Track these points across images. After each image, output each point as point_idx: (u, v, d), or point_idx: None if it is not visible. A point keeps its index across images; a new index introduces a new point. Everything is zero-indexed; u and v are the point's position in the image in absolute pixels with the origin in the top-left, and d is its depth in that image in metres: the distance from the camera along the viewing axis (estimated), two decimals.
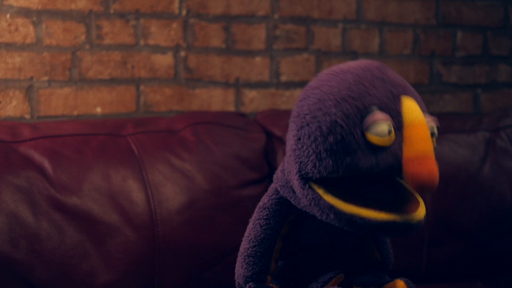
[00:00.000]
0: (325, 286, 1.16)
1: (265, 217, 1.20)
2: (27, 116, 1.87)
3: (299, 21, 2.17)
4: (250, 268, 1.19)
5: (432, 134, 1.09)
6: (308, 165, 1.09)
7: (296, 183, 1.12)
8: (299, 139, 1.10)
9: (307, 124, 1.08)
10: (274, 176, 1.22)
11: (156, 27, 1.99)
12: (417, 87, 2.38)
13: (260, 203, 1.22)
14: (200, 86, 2.06)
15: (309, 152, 1.08)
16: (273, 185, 1.22)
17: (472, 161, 1.94)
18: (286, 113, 1.96)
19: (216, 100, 2.08)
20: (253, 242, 1.20)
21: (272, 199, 1.20)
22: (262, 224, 1.20)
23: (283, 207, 1.19)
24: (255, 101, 2.13)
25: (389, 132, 1.04)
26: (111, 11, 1.93)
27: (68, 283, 1.55)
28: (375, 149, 1.04)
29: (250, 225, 1.22)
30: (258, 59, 2.12)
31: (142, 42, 1.98)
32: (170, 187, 1.67)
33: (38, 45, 1.86)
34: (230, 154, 1.77)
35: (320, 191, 1.08)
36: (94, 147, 1.66)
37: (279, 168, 1.21)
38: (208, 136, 1.78)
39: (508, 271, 1.95)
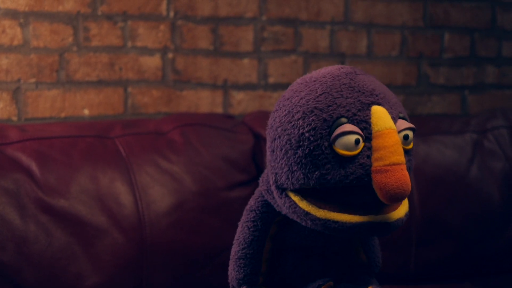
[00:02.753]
0: None
1: (252, 219, 1.20)
2: (14, 118, 1.86)
3: (287, 23, 2.17)
4: (242, 271, 1.21)
5: (406, 138, 1.08)
6: (282, 176, 1.10)
7: (274, 192, 1.13)
8: (273, 151, 1.11)
9: (279, 137, 1.09)
10: (260, 179, 1.23)
11: (144, 29, 1.99)
12: (404, 89, 2.40)
13: (248, 206, 1.23)
14: (188, 87, 2.05)
15: (281, 164, 1.09)
16: (259, 188, 1.22)
17: (460, 163, 1.95)
18: None
19: (204, 102, 2.07)
20: (242, 244, 1.21)
21: (258, 202, 1.21)
22: (250, 227, 1.20)
23: (270, 209, 1.20)
24: (243, 102, 2.13)
25: (357, 143, 1.03)
26: (99, 13, 1.93)
27: (56, 285, 1.55)
28: (343, 161, 1.04)
29: (239, 228, 1.23)
30: (246, 61, 2.12)
31: (129, 44, 1.98)
32: (158, 189, 1.67)
33: (25, 47, 1.86)
34: (218, 156, 1.77)
35: (296, 199, 1.09)
36: (81, 149, 1.65)
37: (265, 171, 1.22)
38: (196, 138, 1.78)
39: (496, 271, 1.95)
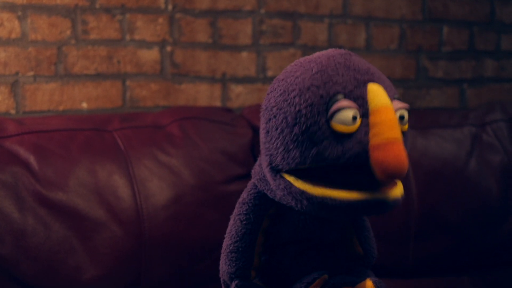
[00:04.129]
0: (309, 287, 1.16)
1: (244, 212, 1.20)
2: (13, 112, 1.86)
3: (285, 16, 2.17)
4: (234, 264, 1.19)
5: (402, 118, 1.08)
6: (277, 157, 1.09)
7: (268, 175, 1.12)
8: (268, 132, 1.10)
9: (274, 116, 1.09)
10: (252, 171, 1.22)
11: (142, 22, 1.99)
12: (403, 82, 2.40)
13: (240, 199, 1.22)
14: (186, 81, 2.05)
15: (277, 144, 1.08)
16: (252, 181, 1.22)
17: (458, 156, 1.95)
18: None
19: (203, 95, 2.07)
20: (234, 238, 1.20)
21: (251, 194, 1.20)
22: (242, 219, 1.20)
23: (262, 201, 1.19)
24: (241, 96, 2.12)
25: (354, 119, 1.03)
26: (97, 6, 1.93)
27: (54, 278, 1.55)
28: (341, 137, 1.03)
29: (231, 221, 1.22)
30: (244, 54, 2.12)
31: (128, 37, 1.97)
32: (156, 182, 1.67)
33: (24, 40, 1.85)
34: (217, 149, 1.77)
35: (291, 179, 1.08)
36: (80, 142, 1.65)
37: (257, 163, 1.21)
38: (195, 131, 1.78)
39: (494, 265, 1.96)
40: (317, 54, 1.13)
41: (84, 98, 1.93)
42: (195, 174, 1.71)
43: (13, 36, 1.84)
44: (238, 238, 1.19)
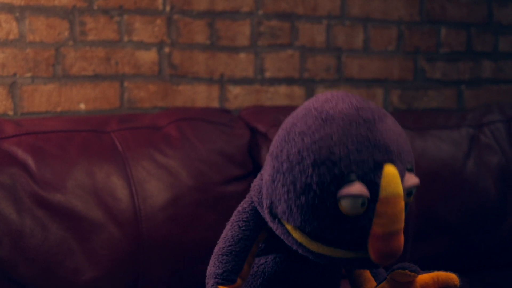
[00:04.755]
0: None
1: (245, 219, 1.18)
2: (10, 113, 1.86)
3: (283, 18, 2.17)
4: (222, 266, 1.16)
5: (410, 194, 1.07)
6: (278, 208, 1.07)
7: (266, 216, 1.12)
8: (273, 181, 1.08)
9: (283, 173, 1.06)
10: (252, 186, 1.20)
11: (140, 23, 1.99)
12: (401, 84, 2.40)
13: (239, 208, 1.20)
14: (184, 82, 2.05)
15: (280, 199, 1.07)
16: (251, 193, 1.20)
17: (456, 157, 1.95)
18: (271, 109, 1.97)
19: (201, 96, 2.07)
20: (229, 242, 1.18)
21: (252, 205, 1.19)
22: (241, 226, 1.18)
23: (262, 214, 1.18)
24: (239, 97, 2.13)
25: (362, 205, 1.01)
26: (95, 7, 1.93)
27: (52, 280, 1.54)
28: (344, 219, 1.02)
29: (227, 227, 1.20)
30: (242, 56, 2.12)
31: (126, 38, 1.97)
32: (154, 183, 1.67)
33: (21, 41, 1.85)
34: (214, 151, 1.77)
35: (289, 227, 1.08)
36: (77, 143, 1.65)
37: (257, 179, 1.19)
38: (192, 133, 1.78)
39: (492, 266, 1.96)
40: (341, 107, 1.07)
41: (82, 99, 1.93)
42: (193, 175, 1.71)
43: (11, 37, 1.84)
44: (233, 242, 1.18)
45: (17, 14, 1.84)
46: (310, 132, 1.05)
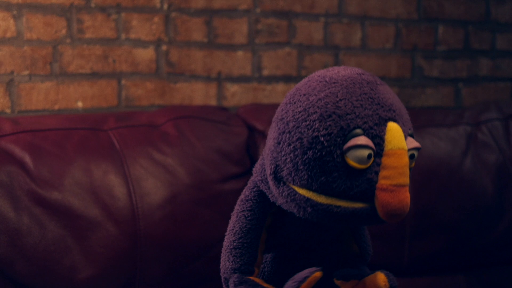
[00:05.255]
0: (300, 285, 1.15)
1: (249, 208, 1.19)
2: (8, 111, 1.86)
3: (281, 15, 2.17)
4: (238, 260, 1.18)
5: (412, 157, 1.09)
6: (284, 170, 1.09)
7: (271, 182, 1.12)
8: (279, 143, 1.09)
9: (289, 132, 1.08)
10: (254, 169, 1.22)
11: (138, 21, 1.99)
12: (398, 81, 2.40)
13: (242, 196, 1.21)
14: (182, 80, 2.05)
15: (286, 159, 1.08)
16: (253, 178, 1.21)
17: (454, 155, 1.95)
18: (268, 107, 1.97)
19: (198, 94, 2.07)
20: (238, 234, 1.19)
21: (254, 191, 1.20)
22: (247, 216, 1.19)
23: (266, 198, 1.19)
24: (237, 95, 2.12)
25: (369, 158, 1.03)
26: (92, 5, 1.93)
27: (49, 278, 1.54)
28: (351, 172, 1.04)
29: (233, 219, 1.21)
30: (240, 53, 2.12)
31: (123, 36, 1.97)
32: (151, 181, 1.67)
33: (19, 39, 1.85)
34: (212, 148, 1.77)
35: (295, 187, 1.08)
36: (75, 141, 1.65)
37: (259, 161, 1.21)
38: (190, 131, 1.78)
39: (489, 264, 1.96)
40: (343, 72, 1.11)
41: (79, 97, 1.93)
42: (190, 173, 1.71)
43: (8, 35, 1.84)
44: (243, 234, 1.19)
45: (15, 12, 1.84)
46: (315, 92, 1.08)
